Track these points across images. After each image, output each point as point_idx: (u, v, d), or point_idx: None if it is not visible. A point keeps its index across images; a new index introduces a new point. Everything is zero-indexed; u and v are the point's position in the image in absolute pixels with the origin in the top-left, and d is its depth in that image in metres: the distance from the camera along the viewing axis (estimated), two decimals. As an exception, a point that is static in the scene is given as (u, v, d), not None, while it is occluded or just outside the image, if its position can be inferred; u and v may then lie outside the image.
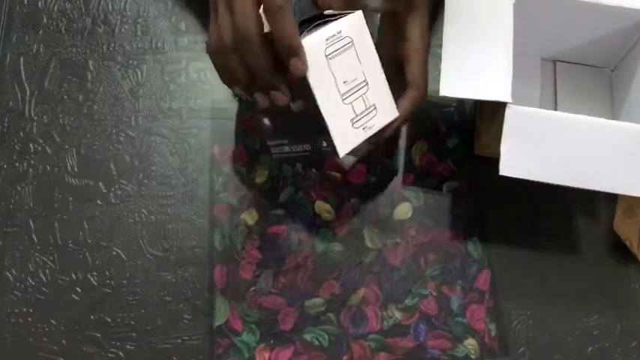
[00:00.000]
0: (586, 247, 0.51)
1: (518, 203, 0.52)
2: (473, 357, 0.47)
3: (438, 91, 0.43)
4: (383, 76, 0.41)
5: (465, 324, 0.48)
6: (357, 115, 0.42)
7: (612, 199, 0.52)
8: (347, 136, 0.42)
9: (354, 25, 0.39)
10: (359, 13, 0.39)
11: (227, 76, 0.39)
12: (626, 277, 0.50)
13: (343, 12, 0.41)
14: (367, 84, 0.41)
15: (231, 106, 0.53)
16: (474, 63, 0.44)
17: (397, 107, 0.43)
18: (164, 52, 0.54)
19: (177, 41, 0.55)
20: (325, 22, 0.40)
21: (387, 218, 0.50)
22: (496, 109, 0.45)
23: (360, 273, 0.48)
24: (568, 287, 0.50)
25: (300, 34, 0.39)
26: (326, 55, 0.40)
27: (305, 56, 0.37)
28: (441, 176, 0.52)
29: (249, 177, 0.51)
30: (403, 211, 0.51)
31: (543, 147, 0.43)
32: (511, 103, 0.43)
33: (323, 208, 0.50)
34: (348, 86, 0.41)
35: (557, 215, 0.52)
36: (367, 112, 0.42)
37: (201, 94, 0.53)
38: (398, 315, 0.47)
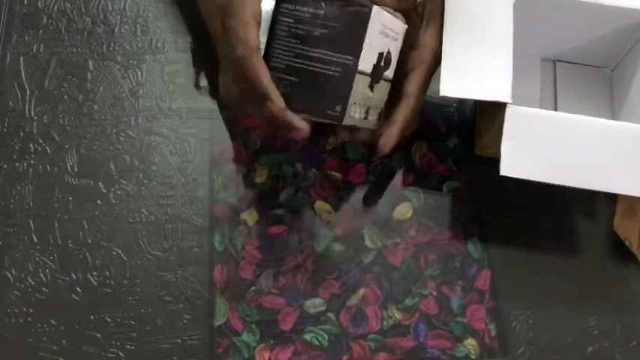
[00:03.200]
0: (586, 248, 0.51)
1: (518, 203, 0.52)
2: (473, 357, 0.47)
3: (438, 91, 0.43)
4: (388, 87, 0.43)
5: (465, 324, 0.48)
6: (357, 103, 0.43)
7: (612, 199, 0.52)
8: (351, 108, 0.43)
9: (402, 29, 0.42)
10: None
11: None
12: (626, 277, 0.50)
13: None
14: (390, 83, 0.44)
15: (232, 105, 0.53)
16: (473, 63, 0.44)
17: (395, 119, 0.44)
18: (164, 52, 0.54)
19: (177, 41, 0.55)
20: None
21: (387, 218, 0.50)
22: (496, 110, 0.45)
23: (360, 273, 0.48)
24: (568, 287, 0.50)
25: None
26: (381, 31, 0.42)
27: (295, 122, 0.42)
28: (441, 176, 0.52)
29: (249, 177, 0.51)
30: (403, 211, 0.51)
31: (543, 147, 0.43)
32: (511, 104, 0.43)
33: (323, 208, 0.50)
34: (385, 73, 0.44)
35: (557, 215, 0.52)
36: (365, 108, 0.43)
37: (201, 94, 0.53)
38: (398, 315, 0.47)
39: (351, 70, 0.41)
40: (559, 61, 0.54)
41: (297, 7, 0.40)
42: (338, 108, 0.42)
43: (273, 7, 0.42)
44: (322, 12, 0.40)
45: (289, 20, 0.40)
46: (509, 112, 0.43)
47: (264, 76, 0.40)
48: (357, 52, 0.41)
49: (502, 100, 0.42)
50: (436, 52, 0.45)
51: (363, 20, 0.40)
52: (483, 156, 0.52)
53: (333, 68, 0.41)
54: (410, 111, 0.44)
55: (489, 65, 0.43)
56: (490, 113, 0.49)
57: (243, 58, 0.40)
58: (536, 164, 0.43)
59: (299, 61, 0.41)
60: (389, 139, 0.44)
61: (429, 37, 0.45)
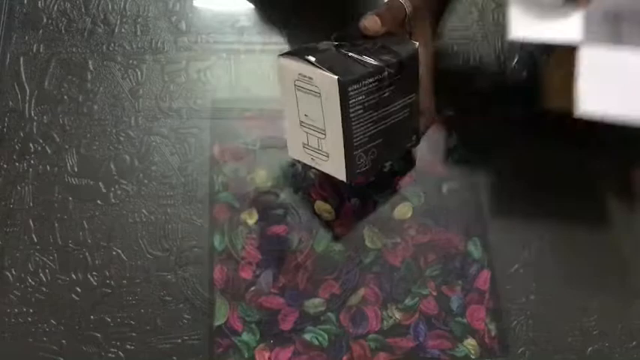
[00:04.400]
0: (586, 248, 0.51)
1: (518, 204, 0.52)
2: (473, 357, 0.47)
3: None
4: (341, 142, 0.41)
5: (465, 324, 0.48)
6: (309, 145, 0.44)
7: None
8: (297, 150, 0.45)
9: (326, 86, 0.39)
10: (335, 80, 0.38)
11: None
12: (626, 277, 0.50)
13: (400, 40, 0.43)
14: (325, 135, 0.42)
15: (232, 105, 0.53)
16: (542, 8, 0.43)
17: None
18: (164, 52, 0.54)
19: (177, 41, 0.55)
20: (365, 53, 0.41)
21: (387, 218, 0.50)
22: (565, 55, 0.44)
23: (360, 273, 0.48)
24: (568, 287, 0.50)
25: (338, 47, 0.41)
26: (295, 84, 0.41)
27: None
28: (441, 176, 0.52)
29: (249, 177, 0.51)
30: (403, 211, 0.51)
31: (618, 84, 0.42)
32: (583, 42, 0.42)
33: (323, 208, 0.50)
34: (307, 120, 0.42)
35: (557, 216, 0.52)
36: (319, 152, 0.43)
37: (201, 94, 0.53)
38: (398, 315, 0.47)
39: (415, 103, 0.43)
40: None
41: (363, 83, 0.39)
42: (414, 138, 0.46)
43: (335, 100, 0.39)
44: (386, 73, 0.40)
45: (360, 98, 0.40)
46: (583, 52, 0.42)
47: None
48: (416, 87, 0.43)
49: (573, 40, 0.42)
50: (429, 68, 0.46)
51: (415, 57, 0.42)
52: (551, 111, 0.51)
53: (403, 111, 0.43)
54: (428, 121, 0.47)
55: (558, 10, 0.43)
56: (559, 58, 0.47)
57: None
58: (613, 101, 0.42)
59: (378, 125, 0.42)
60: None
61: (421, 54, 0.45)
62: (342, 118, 0.39)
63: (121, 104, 0.52)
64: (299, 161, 0.46)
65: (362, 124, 0.40)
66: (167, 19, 0.56)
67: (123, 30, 0.55)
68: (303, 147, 0.44)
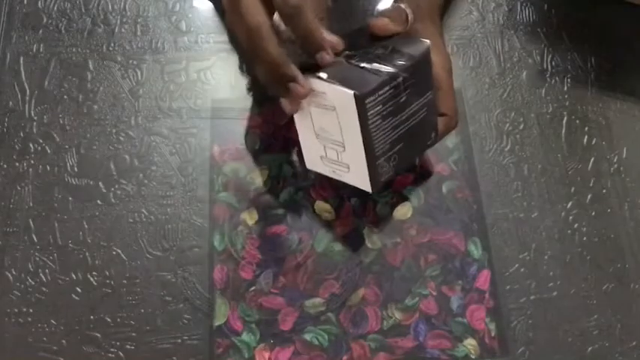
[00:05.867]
0: (586, 247, 0.51)
1: (518, 204, 0.52)
2: (473, 357, 0.47)
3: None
4: (362, 153, 0.40)
5: (465, 324, 0.48)
6: (327, 157, 0.43)
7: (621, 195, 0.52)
8: (315, 163, 0.44)
9: (342, 101, 0.38)
10: (351, 95, 0.37)
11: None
12: (626, 277, 0.50)
13: (411, 41, 0.42)
14: (344, 147, 0.41)
15: (232, 105, 0.53)
16: None
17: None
18: (164, 52, 0.54)
19: (177, 41, 0.55)
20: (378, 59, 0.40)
21: (387, 218, 0.50)
22: None
23: (360, 273, 0.48)
24: (568, 287, 0.50)
25: (352, 58, 0.40)
26: (310, 100, 0.40)
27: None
28: (441, 176, 0.52)
29: (249, 177, 0.51)
30: (403, 211, 0.51)
31: None
32: None
33: (323, 208, 0.50)
34: (324, 134, 0.42)
35: (557, 215, 0.52)
36: (339, 164, 0.43)
37: (201, 94, 0.53)
38: (398, 315, 0.47)
39: (432, 101, 0.43)
40: None
41: (379, 93, 0.39)
42: (432, 135, 0.45)
43: (353, 115, 0.38)
44: (401, 79, 0.39)
45: (378, 108, 0.39)
46: None
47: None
48: (431, 85, 0.42)
49: None
50: (447, 67, 0.46)
51: (427, 55, 0.41)
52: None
53: (421, 111, 0.42)
54: (450, 121, 0.46)
55: None
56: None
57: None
58: None
59: (397, 130, 0.41)
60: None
61: (436, 56, 0.45)
62: (361, 132, 0.39)
63: (121, 104, 0.52)
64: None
65: (382, 133, 0.40)
66: (167, 19, 0.56)
67: (123, 30, 0.55)
68: (322, 159, 0.44)
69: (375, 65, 0.40)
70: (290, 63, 0.38)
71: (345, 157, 0.41)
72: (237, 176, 0.51)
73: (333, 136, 0.41)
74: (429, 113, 0.43)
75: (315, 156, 0.44)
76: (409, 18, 0.44)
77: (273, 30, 0.38)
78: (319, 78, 0.39)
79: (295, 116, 0.43)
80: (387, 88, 0.39)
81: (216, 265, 0.48)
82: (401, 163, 0.43)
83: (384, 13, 0.44)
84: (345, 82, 0.38)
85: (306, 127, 0.43)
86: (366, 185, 0.42)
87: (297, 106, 0.40)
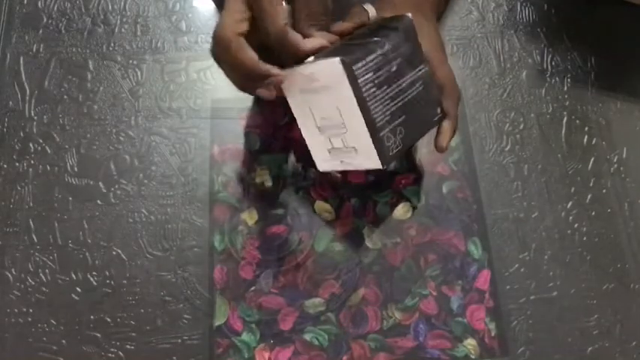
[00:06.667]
0: (586, 247, 0.51)
1: (518, 204, 0.52)
2: (473, 357, 0.47)
3: None
4: (364, 127, 0.40)
5: (465, 324, 0.48)
6: (334, 148, 0.43)
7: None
8: (325, 160, 0.44)
9: (332, 73, 0.38)
10: (337, 62, 0.38)
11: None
12: (626, 277, 0.50)
13: (392, 20, 0.42)
14: (345, 128, 0.41)
15: (232, 105, 0.53)
16: None
17: (446, 111, 0.44)
18: (164, 52, 0.54)
19: (177, 41, 0.55)
20: (374, 35, 0.41)
21: (387, 218, 0.50)
22: None
23: (360, 273, 0.48)
24: (568, 287, 0.50)
25: (349, 43, 0.41)
26: (301, 91, 0.41)
27: (283, 77, 0.41)
28: (441, 176, 0.52)
29: (249, 177, 0.51)
30: (403, 211, 0.51)
31: None
32: None
33: (323, 208, 0.50)
34: (325, 122, 0.42)
35: (557, 215, 0.52)
36: (346, 150, 0.42)
37: (201, 94, 0.53)
38: (398, 315, 0.47)
39: (429, 75, 0.42)
40: None
41: (367, 60, 0.39)
42: (438, 110, 0.44)
43: (344, 84, 0.39)
44: (388, 46, 0.40)
45: (369, 75, 0.39)
46: None
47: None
48: (423, 56, 0.42)
49: None
50: (438, 45, 0.46)
51: (410, 26, 0.41)
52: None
53: (418, 84, 0.42)
54: (454, 93, 0.46)
55: None
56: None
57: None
58: None
59: (397, 101, 0.41)
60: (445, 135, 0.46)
61: (426, 38, 0.45)
62: (357, 101, 0.38)
63: (121, 104, 0.52)
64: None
65: (379, 102, 0.39)
66: (167, 19, 0.56)
67: (123, 30, 0.55)
68: (330, 153, 0.43)
69: (361, 40, 0.40)
70: (260, 63, 0.40)
71: (349, 138, 0.41)
72: (237, 176, 0.51)
73: (333, 120, 0.41)
74: (426, 87, 0.42)
75: (324, 153, 0.44)
76: (370, 16, 0.45)
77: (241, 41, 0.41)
78: (306, 63, 0.40)
79: (298, 119, 0.43)
80: (374, 55, 0.39)
81: (216, 265, 0.48)
82: (409, 137, 0.42)
83: (348, 17, 0.45)
84: (330, 56, 0.39)
85: (309, 126, 0.43)
86: (375, 161, 0.41)
87: (273, 91, 0.42)
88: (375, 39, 0.40)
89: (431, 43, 0.45)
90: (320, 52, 0.41)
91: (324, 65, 0.39)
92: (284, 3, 0.41)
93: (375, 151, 0.40)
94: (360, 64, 0.38)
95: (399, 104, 0.41)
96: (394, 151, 0.41)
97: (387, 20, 0.43)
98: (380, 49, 0.39)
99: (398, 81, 0.41)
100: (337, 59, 0.37)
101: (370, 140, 0.40)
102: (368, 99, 0.39)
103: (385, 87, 0.40)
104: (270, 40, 0.40)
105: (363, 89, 0.38)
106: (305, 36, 0.41)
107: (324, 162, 0.45)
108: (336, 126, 0.41)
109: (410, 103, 0.41)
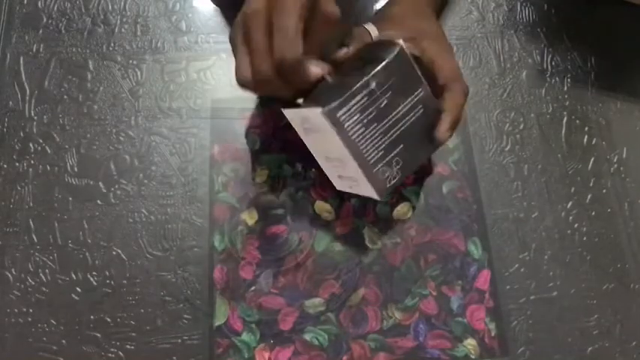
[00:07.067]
0: (586, 247, 0.51)
1: (518, 204, 0.52)
2: (473, 357, 0.47)
3: None
4: (357, 167, 0.40)
5: (465, 324, 0.48)
6: (341, 175, 0.44)
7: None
8: (339, 183, 0.45)
9: (318, 121, 0.39)
10: (319, 113, 0.38)
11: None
12: (626, 277, 0.50)
13: (384, 41, 0.42)
14: (343, 163, 0.42)
15: (232, 105, 0.53)
16: None
17: (445, 107, 0.43)
18: (164, 52, 0.54)
19: (177, 41, 0.55)
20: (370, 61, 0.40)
21: (386, 218, 0.50)
22: None
23: (360, 273, 0.48)
24: (568, 287, 0.50)
25: (346, 70, 0.41)
26: (303, 128, 0.42)
27: (313, 65, 0.39)
28: (441, 176, 0.52)
29: (249, 177, 0.51)
30: (403, 211, 0.51)
31: None
32: None
33: (323, 208, 0.50)
34: (328, 155, 0.43)
35: (557, 215, 0.52)
36: (350, 179, 0.43)
37: (201, 94, 0.53)
38: (398, 315, 0.47)
39: (428, 95, 0.42)
40: None
41: (351, 104, 0.39)
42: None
43: (331, 131, 0.39)
44: (374, 84, 0.39)
45: (356, 117, 0.39)
46: None
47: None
48: (420, 80, 0.41)
49: None
50: (444, 46, 0.46)
51: (401, 56, 0.40)
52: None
53: (417, 109, 0.41)
54: (461, 87, 0.45)
55: None
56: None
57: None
58: None
59: (390, 134, 0.41)
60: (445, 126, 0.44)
61: (431, 48, 0.45)
62: (345, 145, 0.39)
63: (121, 104, 0.52)
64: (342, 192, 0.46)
65: (370, 141, 0.40)
66: (167, 19, 0.56)
67: (123, 30, 0.55)
68: (340, 178, 0.45)
69: (346, 78, 0.40)
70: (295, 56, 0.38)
71: (348, 171, 0.42)
72: (237, 176, 0.51)
73: (332, 154, 0.42)
74: (426, 110, 0.42)
75: (335, 176, 0.45)
76: (373, 37, 0.45)
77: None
78: (298, 105, 0.41)
79: (308, 146, 0.44)
80: (359, 97, 0.39)
81: (216, 265, 0.48)
82: (409, 163, 0.42)
83: (349, 40, 0.44)
84: (317, 102, 0.39)
85: (318, 154, 0.44)
86: (373, 194, 0.42)
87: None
88: (362, 79, 0.39)
89: (438, 44, 0.45)
90: (317, 88, 0.41)
91: (311, 113, 0.39)
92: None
93: (369, 185, 0.41)
94: (344, 110, 0.38)
95: (394, 136, 0.41)
96: (392, 182, 0.42)
97: (380, 47, 0.42)
98: (365, 90, 0.39)
99: (390, 114, 0.40)
100: (319, 110, 0.38)
101: (364, 177, 0.41)
102: (357, 140, 0.39)
103: (375, 124, 0.40)
104: (283, 63, 0.39)
105: (350, 132, 0.39)
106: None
107: (338, 183, 0.46)
108: (335, 159, 0.42)
109: (408, 130, 0.41)
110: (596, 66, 0.58)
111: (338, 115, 0.38)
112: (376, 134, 0.40)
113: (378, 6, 0.57)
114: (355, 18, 0.48)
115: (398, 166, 0.42)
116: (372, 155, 0.40)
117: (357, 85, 0.39)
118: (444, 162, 0.52)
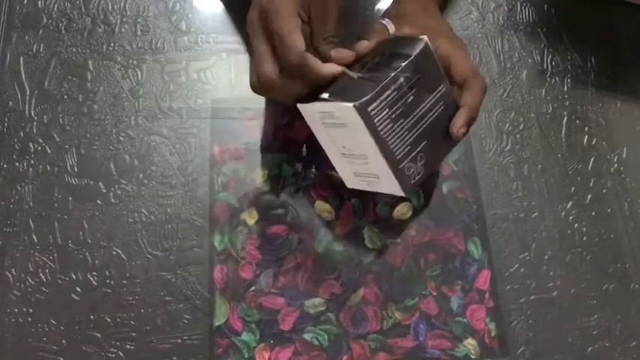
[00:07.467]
0: (586, 247, 0.51)
1: (518, 204, 0.52)
2: (473, 357, 0.47)
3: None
4: (384, 162, 0.40)
5: (465, 324, 0.48)
6: (359, 172, 0.43)
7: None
8: (351, 179, 0.45)
9: (347, 115, 0.39)
10: (351, 108, 0.38)
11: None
12: (626, 277, 0.50)
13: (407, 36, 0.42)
14: (367, 159, 0.41)
15: (232, 105, 0.53)
16: None
17: (463, 103, 0.43)
18: (164, 52, 0.54)
19: (177, 41, 0.55)
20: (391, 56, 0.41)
21: (387, 218, 0.50)
22: None
23: (360, 273, 0.48)
24: (568, 287, 0.50)
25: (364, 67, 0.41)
26: (322, 123, 0.42)
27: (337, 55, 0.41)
28: (441, 176, 0.52)
29: (249, 177, 0.51)
30: (403, 211, 0.51)
31: None
32: None
33: (323, 208, 0.50)
34: (347, 151, 0.42)
35: (557, 215, 0.52)
36: (369, 176, 0.43)
37: (201, 94, 0.53)
38: (398, 315, 0.47)
39: (449, 92, 0.42)
40: None
41: (381, 99, 0.39)
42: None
43: (361, 126, 0.39)
44: (402, 79, 0.39)
45: (385, 113, 0.39)
46: None
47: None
48: (442, 76, 0.42)
49: None
50: (457, 44, 0.45)
51: (426, 51, 0.41)
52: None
53: (438, 105, 0.42)
54: (480, 84, 0.44)
55: None
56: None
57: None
58: None
59: (415, 129, 0.41)
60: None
61: (444, 44, 0.45)
62: (374, 141, 0.39)
63: (121, 104, 0.52)
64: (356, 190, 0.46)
65: (397, 136, 0.40)
66: (167, 19, 0.56)
67: (123, 30, 0.55)
68: (355, 175, 0.44)
69: (374, 73, 0.40)
70: (305, 58, 0.40)
71: (371, 167, 0.42)
72: (237, 176, 0.51)
73: (354, 151, 0.42)
74: (447, 106, 0.42)
75: (350, 174, 0.45)
76: (391, 33, 0.45)
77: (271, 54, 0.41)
78: (322, 99, 0.40)
79: (321, 143, 0.44)
80: (388, 92, 0.39)
81: (216, 265, 0.48)
82: (432, 160, 0.42)
83: (366, 34, 0.45)
84: (345, 97, 0.39)
85: (333, 150, 0.44)
86: (397, 190, 0.42)
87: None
88: (390, 74, 0.39)
89: (451, 42, 0.45)
90: (337, 83, 0.41)
91: (340, 108, 0.39)
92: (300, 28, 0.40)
93: (396, 181, 0.41)
94: (374, 105, 0.38)
95: (419, 131, 0.41)
96: (416, 178, 0.42)
97: (402, 43, 0.42)
98: (394, 84, 0.39)
99: (415, 110, 0.40)
100: (351, 105, 0.38)
101: (391, 172, 0.40)
102: (385, 136, 0.39)
103: (402, 120, 0.40)
104: (290, 67, 0.40)
105: (379, 127, 0.39)
106: (321, 55, 0.41)
107: (351, 181, 0.46)
108: (357, 156, 0.42)
109: (430, 126, 0.41)
110: (596, 66, 0.58)
111: (369, 109, 0.38)
112: (403, 130, 0.40)
113: (380, 5, 0.57)
114: (359, 16, 0.48)
115: (422, 162, 0.42)
116: (399, 151, 0.40)
117: (387, 79, 0.39)
118: (444, 162, 0.52)
